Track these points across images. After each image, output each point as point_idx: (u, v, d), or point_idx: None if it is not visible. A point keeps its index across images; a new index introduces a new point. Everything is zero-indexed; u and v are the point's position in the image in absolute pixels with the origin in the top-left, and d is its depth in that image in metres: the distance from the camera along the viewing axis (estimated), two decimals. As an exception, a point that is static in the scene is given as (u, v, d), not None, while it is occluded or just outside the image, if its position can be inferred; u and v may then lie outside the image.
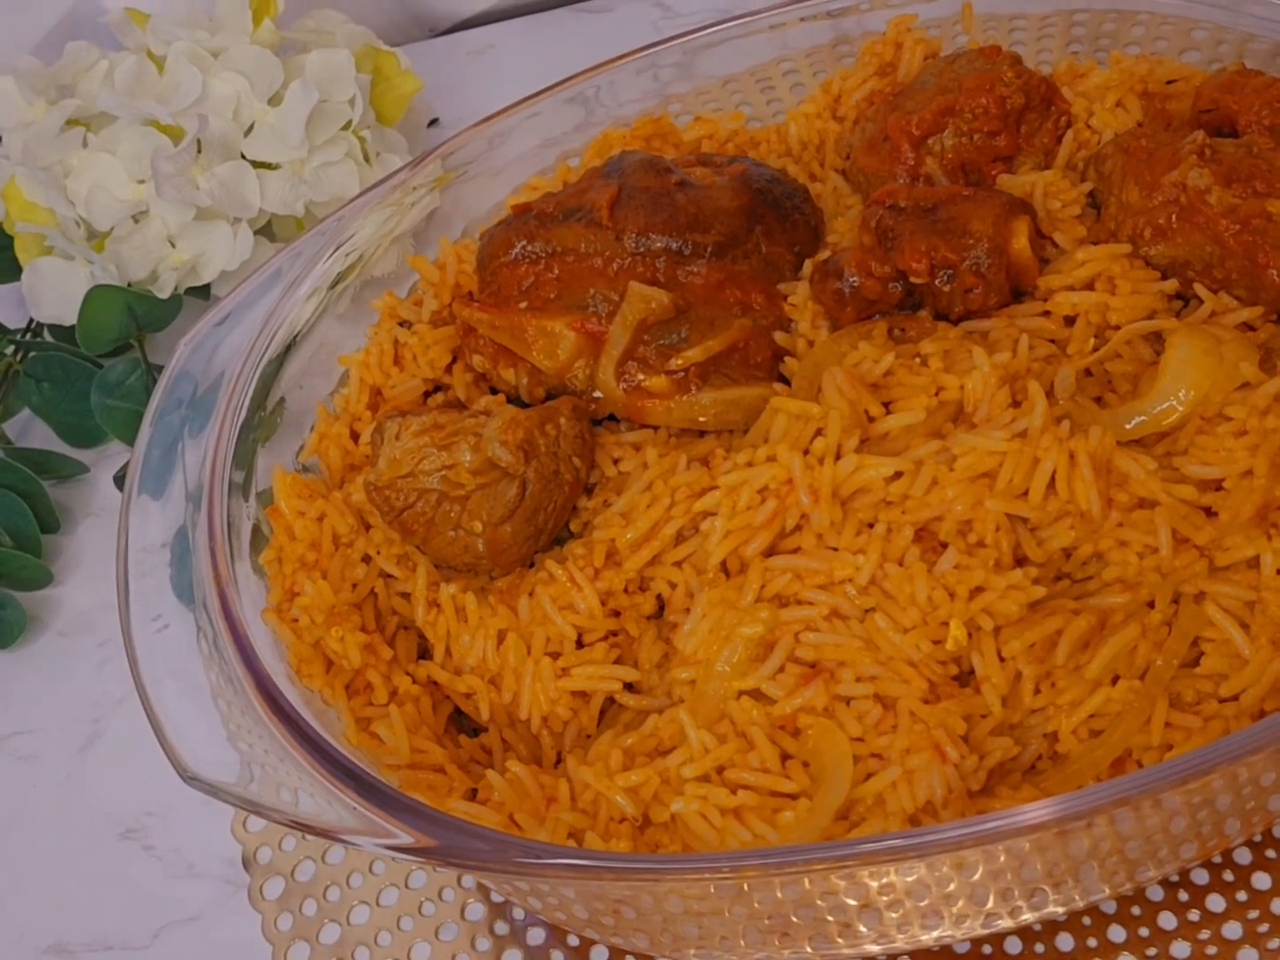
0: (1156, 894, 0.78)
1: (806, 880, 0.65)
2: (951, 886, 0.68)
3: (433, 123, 1.30)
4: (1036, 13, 1.08)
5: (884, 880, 0.66)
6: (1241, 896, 0.78)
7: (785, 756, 0.70)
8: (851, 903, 0.68)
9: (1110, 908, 0.78)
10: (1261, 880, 0.78)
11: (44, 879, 0.92)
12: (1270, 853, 0.79)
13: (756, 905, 0.69)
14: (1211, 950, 0.76)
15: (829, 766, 0.68)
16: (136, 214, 1.08)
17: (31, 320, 1.15)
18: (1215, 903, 0.78)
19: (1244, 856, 0.79)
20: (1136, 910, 0.78)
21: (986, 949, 0.78)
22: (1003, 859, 0.66)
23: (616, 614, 0.78)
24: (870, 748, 0.69)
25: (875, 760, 0.69)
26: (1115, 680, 0.69)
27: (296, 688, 0.76)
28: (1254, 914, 0.77)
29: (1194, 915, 0.77)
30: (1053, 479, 0.71)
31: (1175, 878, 0.78)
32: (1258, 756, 0.62)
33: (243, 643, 0.75)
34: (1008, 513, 0.71)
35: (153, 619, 0.77)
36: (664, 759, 0.70)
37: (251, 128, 1.10)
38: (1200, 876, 0.78)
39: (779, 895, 0.67)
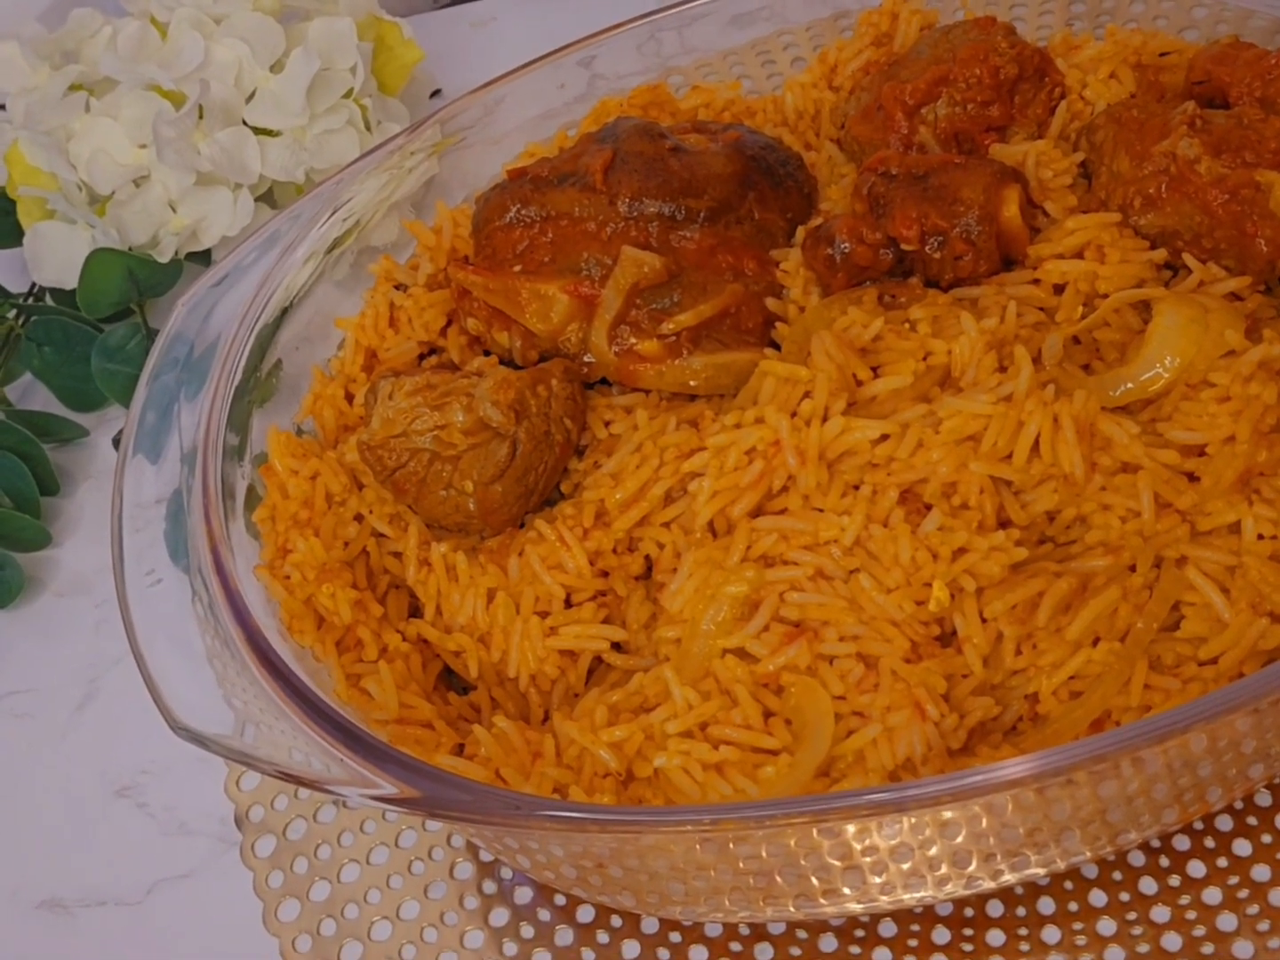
0: (1138, 859, 0.79)
1: (787, 834, 0.65)
2: (933, 849, 0.69)
3: (435, 93, 1.31)
4: (1038, -12, 1.09)
5: (866, 839, 0.66)
6: (1222, 863, 0.78)
7: (768, 714, 0.70)
8: (834, 862, 0.69)
9: (1092, 872, 0.79)
10: (1242, 847, 0.78)
11: (39, 835, 0.93)
12: (1251, 820, 0.79)
13: (740, 864, 0.70)
14: (1191, 915, 0.76)
15: (811, 724, 0.69)
16: (138, 178, 1.09)
17: (34, 284, 1.16)
18: (1196, 868, 0.78)
19: (1225, 824, 0.79)
20: (1118, 875, 0.78)
21: (969, 911, 0.78)
22: (982, 817, 0.67)
23: (605, 574, 0.79)
24: (852, 706, 0.69)
25: (857, 718, 0.69)
26: (1096, 642, 0.70)
27: (288, 644, 0.77)
28: (1234, 880, 0.77)
29: (1175, 881, 0.78)
30: (1036, 442, 0.72)
31: (1157, 843, 0.78)
32: (1234, 716, 0.63)
33: (235, 598, 0.76)
34: (991, 475, 0.72)
35: (146, 573, 0.78)
36: (648, 715, 0.71)
37: (253, 94, 1.11)
38: (1182, 843, 0.79)
39: (761, 853, 0.68)
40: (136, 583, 0.78)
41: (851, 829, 0.65)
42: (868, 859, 0.68)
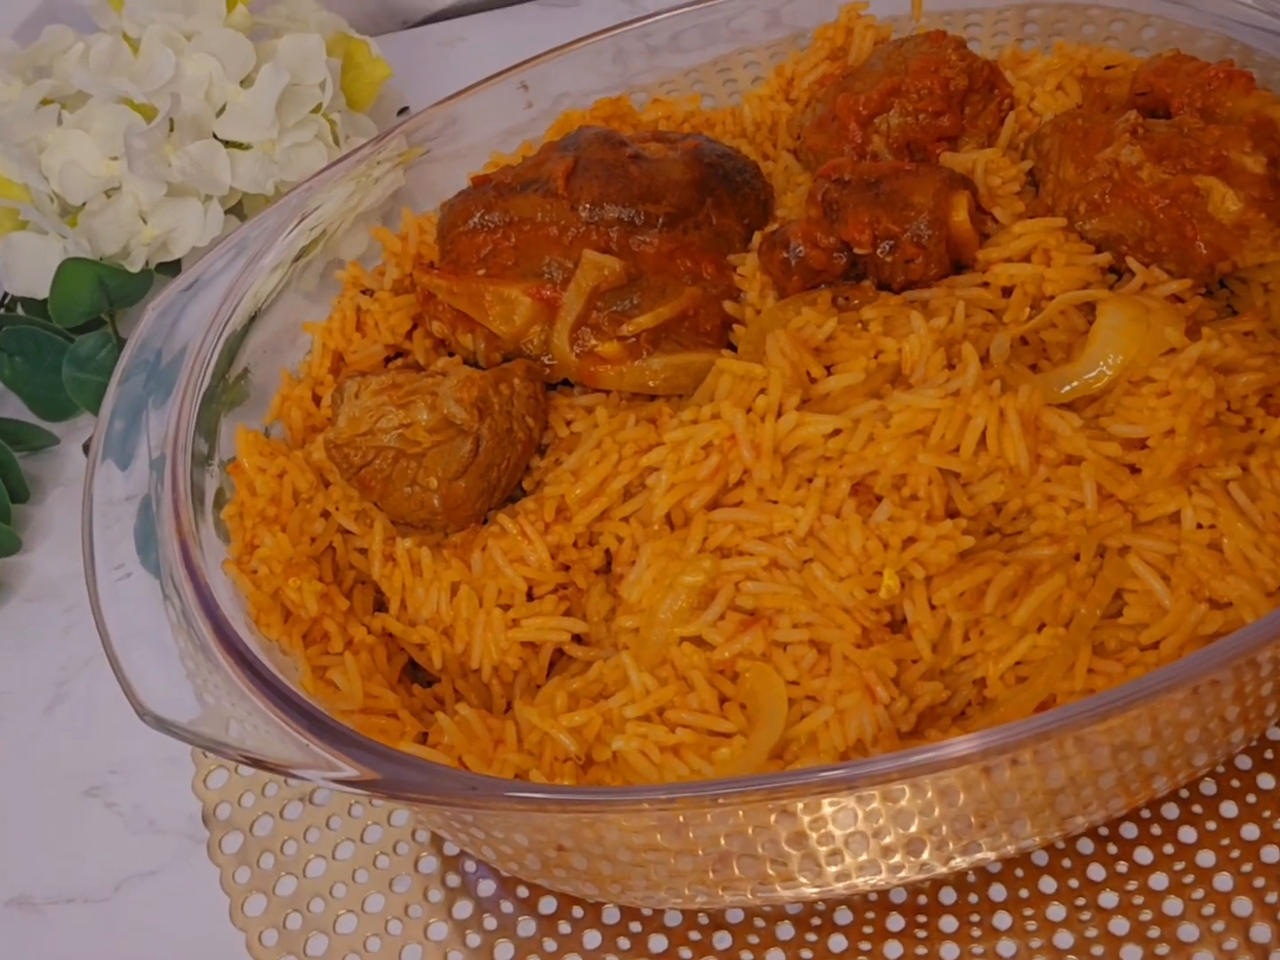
0: (1087, 847, 0.81)
1: (741, 813, 0.67)
2: (887, 836, 0.71)
3: (402, 111, 1.33)
4: (992, 8, 1.12)
5: (818, 819, 0.68)
6: (1169, 849, 0.80)
7: (723, 699, 0.72)
8: (788, 848, 0.70)
9: (1042, 859, 0.80)
10: (1187, 834, 0.80)
11: (8, 835, 0.94)
12: (1197, 808, 0.81)
13: (698, 849, 0.71)
14: (1138, 900, 0.78)
15: (765, 708, 0.71)
16: (109, 190, 1.11)
17: (5, 295, 1.17)
18: (1143, 855, 0.80)
19: (1172, 812, 0.81)
20: (1067, 863, 0.80)
21: (922, 899, 0.80)
22: (931, 797, 0.68)
23: (566, 568, 0.81)
24: (805, 690, 0.71)
25: (810, 702, 0.71)
26: (1041, 628, 0.72)
27: (255, 636, 0.78)
28: (1180, 865, 0.79)
29: (1122, 867, 0.80)
30: (983, 436, 0.74)
31: (1105, 831, 0.80)
32: (1173, 695, 0.65)
33: (203, 591, 0.77)
34: (940, 468, 0.74)
35: (116, 567, 0.80)
36: (607, 701, 0.73)
37: (224, 108, 1.13)
38: (1129, 830, 0.81)
39: (718, 835, 0.70)
40: (106, 576, 0.79)
41: (803, 806, 0.66)
42: (821, 843, 0.70)
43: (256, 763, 0.70)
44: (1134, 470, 0.75)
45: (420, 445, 0.81)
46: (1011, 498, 0.75)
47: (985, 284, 0.83)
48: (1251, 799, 0.81)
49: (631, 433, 0.80)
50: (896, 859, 0.72)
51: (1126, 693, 0.64)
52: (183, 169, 1.09)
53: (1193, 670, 0.64)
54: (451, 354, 0.90)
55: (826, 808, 0.67)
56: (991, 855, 0.76)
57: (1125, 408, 0.76)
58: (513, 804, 0.66)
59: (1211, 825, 0.80)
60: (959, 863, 0.76)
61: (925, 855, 0.73)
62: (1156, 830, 0.81)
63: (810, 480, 0.76)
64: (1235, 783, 0.81)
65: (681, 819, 0.68)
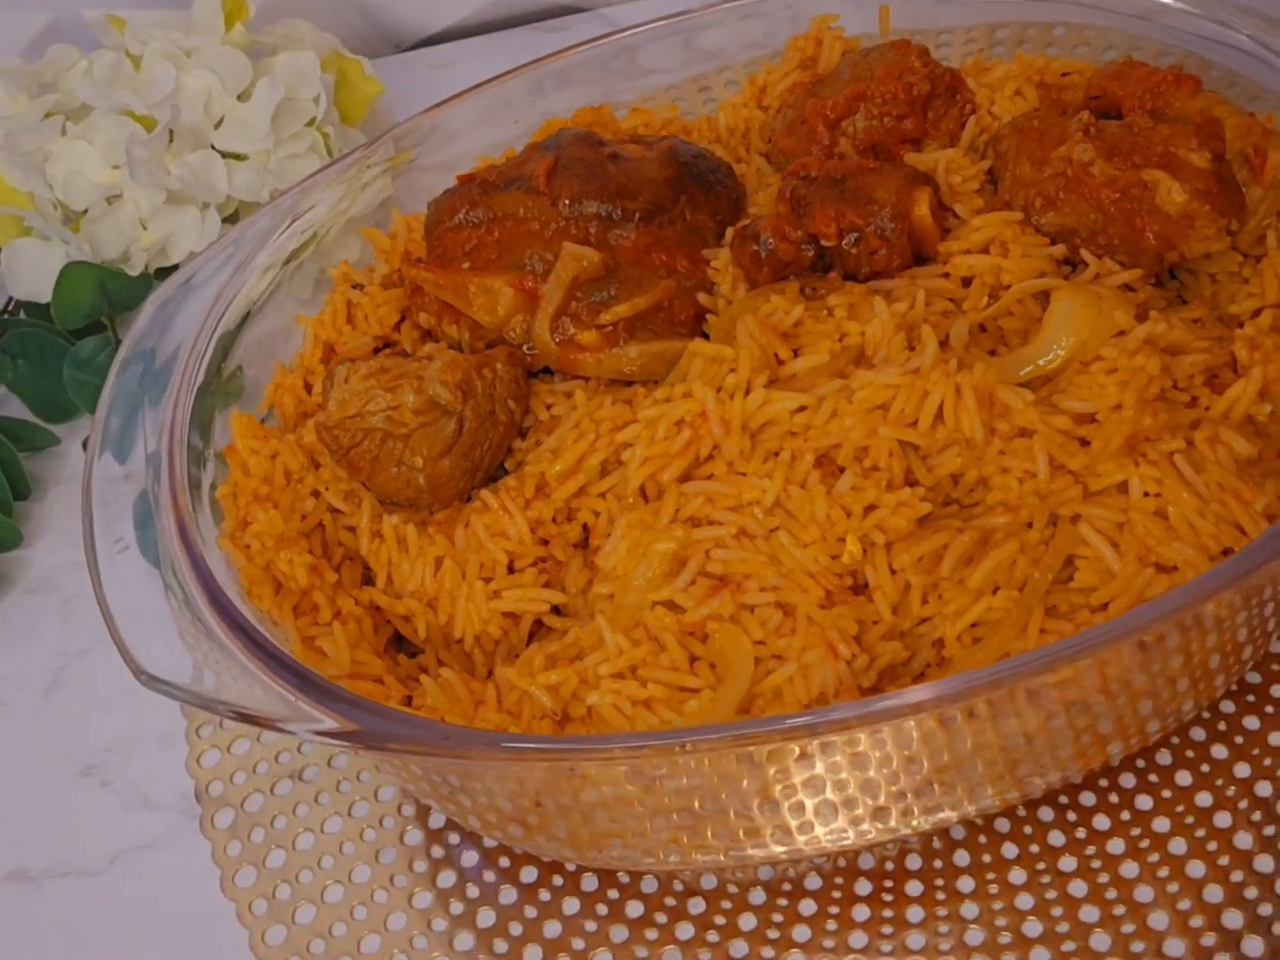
0: (1047, 815, 0.84)
1: (708, 764, 0.70)
2: (850, 789, 0.74)
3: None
4: (961, 26, 1.16)
5: (781, 768, 0.71)
6: (1125, 816, 0.83)
7: (694, 658, 0.76)
8: (755, 802, 0.74)
9: (1004, 826, 0.83)
10: (1144, 802, 0.83)
11: (5, 811, 0.96)
12: (1153, 777, 0.84)
13: (672, 810, 0.74)
14: (1096, 864, 0.81)
15: (733, 665, 0.74)
16: (110, 197, 1.15)
17: (10, 300, 1.21)
18: (1101, 822, 0.83)
19: (1128, 781, 0.84)
20: (1028, 829, 0.83)
21: (889, 865, 0.83)
22: (890, 749, 0.72)
23: (545, 542, 0.84)
24: (771, 650, 0.75)
25: (775, 661, 0.75)
26: (996, 591, 0.75)
27: (247, 607, 0.82)
28: (1136, 831, 0.82)
29: (1081, 833, 0.82)
30: (941, 410, 0.78)
31: (1064, 800, 0.84)
32: (1120, 646, 0.69)
33: (197, 561, 0.80)
34: (900, 439, 0.78)
35: (114, 540, 0.83)
36: (583, 661, 0.76)
37: (221, 120, 1.17)
38: (1088, 799, 0.84)
39: (688, 790, 0.73)
40: (105, 549, 0.82)
41: (767, 755, 0.70)
42: (785, 795, 0.73)
43: (245, 717, 0.73)
44: (1084, 443, 0.78)
45: (407, 426, 0.85)
46: (968, 469, 0.79)
47: (946, 274, 0.87)
48: (1205, 768, 0.83)
49: (608, 411, 0.84)
50: (859, 811, 0.75)
51: (1074, 644, 0.67)
52: (181, 178, 1.13)
53: (1137, 622, 0.67)
54: (437, 342, 0.93)
55: (790, 760, 0.71)
56: (953, 816, 0.79)
57: (1076, 385, 0.80)
58: (488, 753, 0.69)
59: (1167, 793, 0.83)
60: (921, 823, 0.79)
61: (886, 811, 0.76)
62: (1114, 799, 0.83)
63: (777, 454, 0.79)
64: (1190, 753, 0.84)
65: (652, 769, 0.71)
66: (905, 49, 0.96)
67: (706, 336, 0.90)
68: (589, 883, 0.85)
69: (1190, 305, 0.86)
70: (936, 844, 0.83)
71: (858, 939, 0.80)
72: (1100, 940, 0.78)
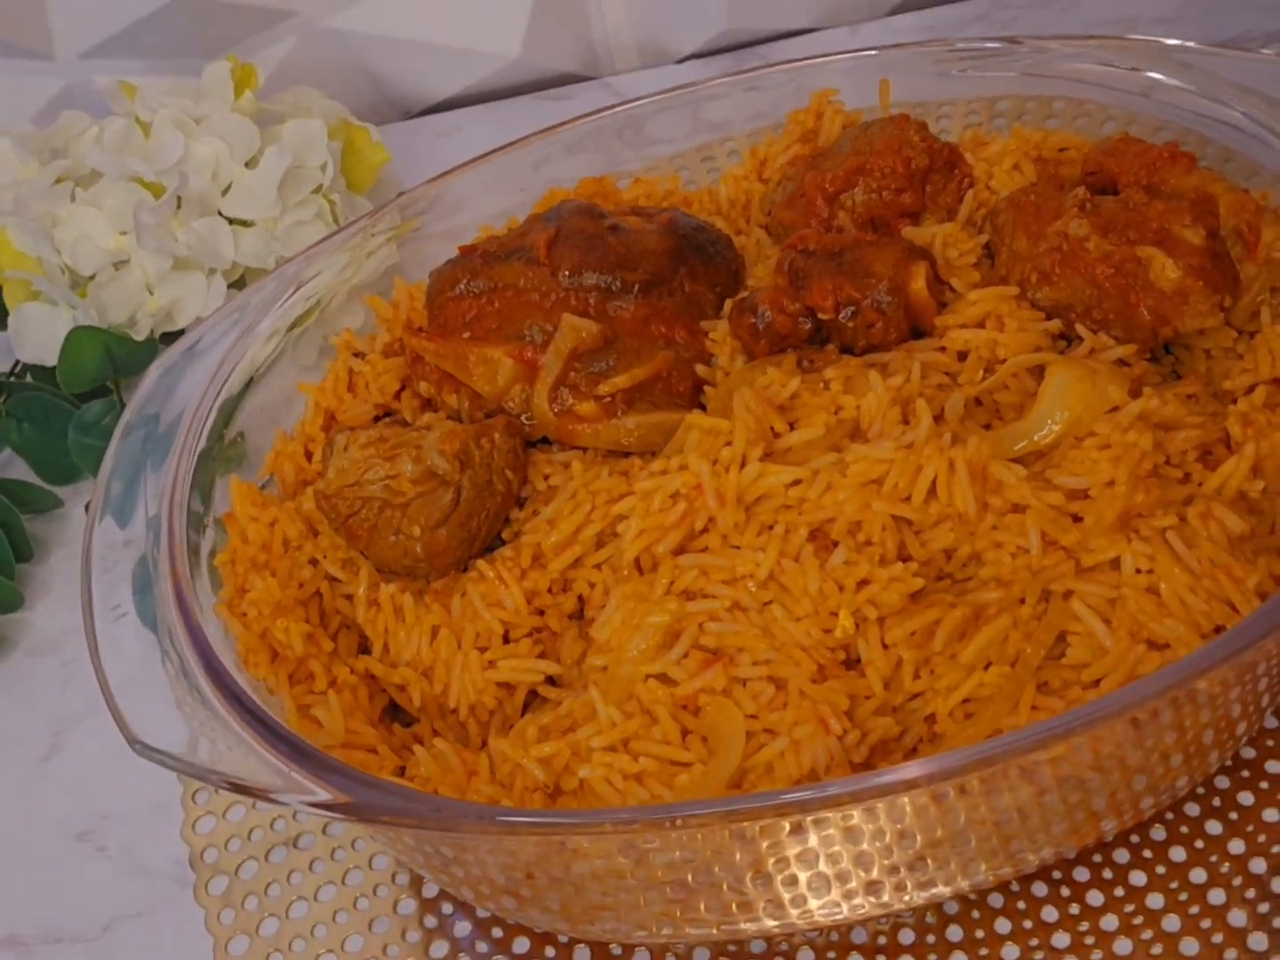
0: (1041, 890, 0.83)
1: (700, 838, 0.70)
2: (843, 864, 0.74)
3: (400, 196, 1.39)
4: (962, 99, 1.17)
5: (773, 842, 0.71)
6: (1119, 892, 0.83)
7: (685, 731, 0.76)
8: (747, 877, 0.73)
9: (997, 901, 0.83)
10: (1138, 878, 0.83)
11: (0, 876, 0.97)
12: (1147, 853, 0.84)
13: (663, 883, 0.74)
14: (1090, 940, 0.81)
15: (724, 739, 0.75)
16: (118, 262, 1.16)
17: (16, 363, 1.22)
18: (1095, 897, 0.83)
19: (1122, 857, 0.84)
20: (1022, 905, 0.83)
21: (881, 940, 0.83)
22: (883, 824, 0.72)
23: (541, 612, 0.85)
24: (763, 724, 0.75)
25: (767, 735, 0.75)
26: (988, 667, 0.76)
27: (243, 675, 0.82)
28: (1130, 907, 0.82)
29: (1074, 909, 0.82)
30: (934, 485, 0.79)
31: (1058, 875, 0.83)
32: (1112, 724, 0.69)
33: (194, 629, 0.81)
34: (893, 514, 0.78)
35: (112, 608, 0.84)
36: (575, 733, 0.76)
37: (229, 187, 1.19)
38: (1081, 874, 0.84)
39: (679, 864, 0.73)
40: (103, 616, 0.83)
41: (759, 830, 0.70)
42: (777, 869, 0.73)
43: (238, 788, 0.73)
44: (1077, 519, 0.79)
45: (405, 495, 0.85)
46: (961, 544, 0.79)
47: (942, 348, 0.88)
48: (1200, 844, 0.83)
49: (604, 483, 0.84)
50: (852, 885, 0.75)
51: (1066, 720, 0.67)
52: (188, 244, 1.15)
53: (1129, 699, 0.67)
54: (437, 411, 0.94)
55: (783, 834, 0.71)
56: (946, 890, 0.79)
57: (1069, 460, 0.80)
58: (480, 826, 0.69)
59: (1161, 869, 0.83)
60: (914, 897, 0.79)
61: (879, 885, 0.76)
62: (1108, 874, 0.83)
63: (771, 527, 0.80)
64: (1184, 829, 0.84)
65: (643, 843, 0.71)
66: (904, 124, 0.97)
67: (704, 408, 0.90)
68: (581, 955, 0.85)
69: (1185, 381, 0.87)
70: (930, 919, 0.83)
71: (852, 1013, 0.80)
72: (1094, 1017, 0.77)
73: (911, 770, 0.67)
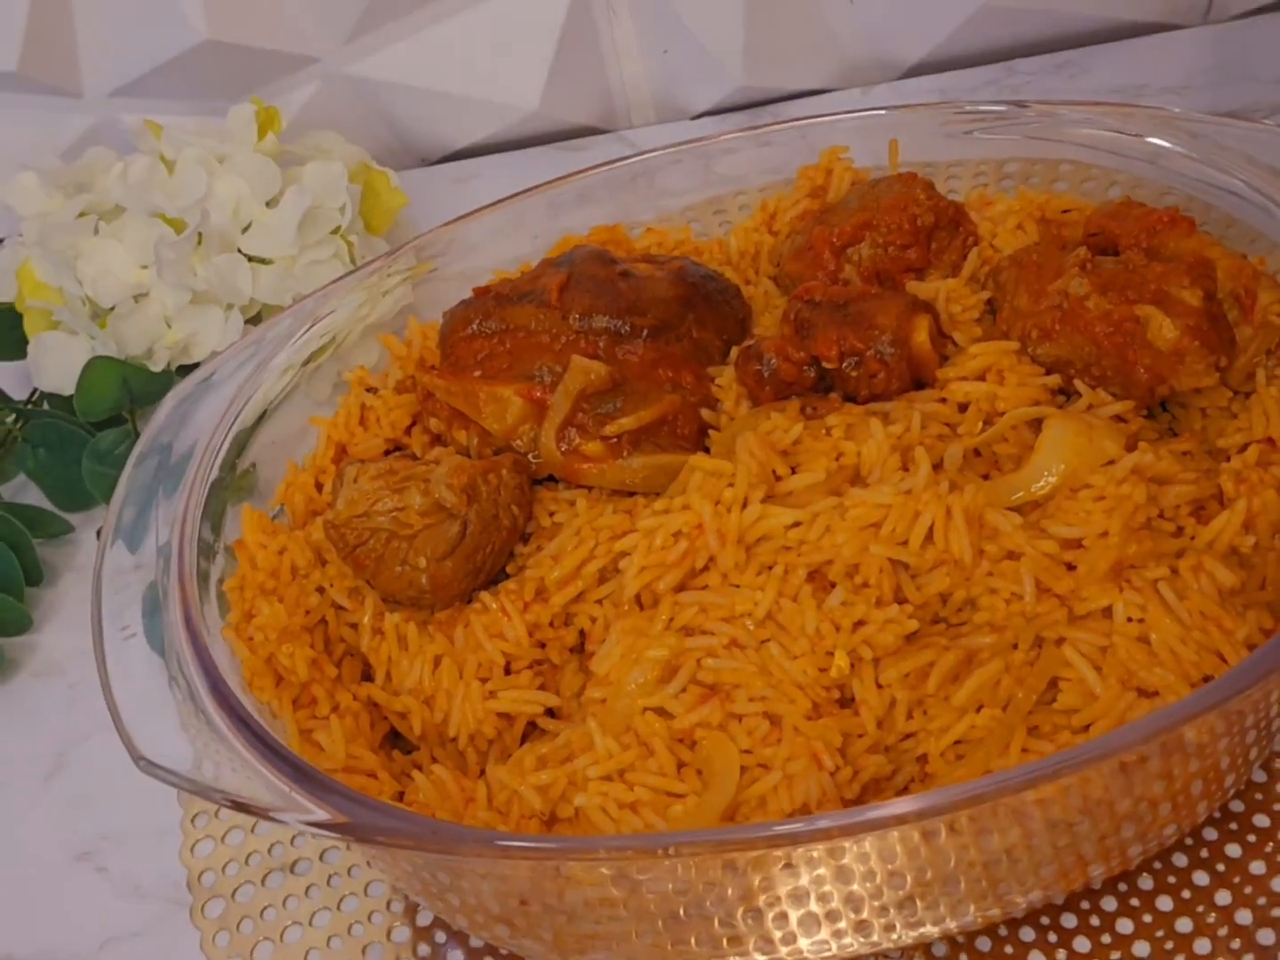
0: (1028, 935, 0.84)
1: (691, 866, 0.71)
2: (833, 901, 0.75)
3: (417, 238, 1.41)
4: (971, 159, 1.20)
5: (764, 876, 0.72)
6: (1105, 939, 0.84)
7: (681, 764, 0.77)
8: (738, 910, 0.75)
9: (985, 945, 0.84)
10: (1124, 926, 0.84)
11: (-1, 896, 0.98)
12: (1134, 901, 0.85)
13: (656, 915, 0.75)
14: (1077, 986, 0.82)
15: (719, 772, 0.76)
16: (138, 295, 1.18)
17: (35, 391, 1.24)
18: (1081, 944, 0.84)
19: (1110, 904, 0.85)
20: (1009, 949, 0.84)
21: (871, 982, 0.84)
22: (873, 863, 0.73)
23: (542, 645, 0.86)
24: (757, 758, 0.76)
25: (761, 769, 0.76)
26: (980, 709, 0.77)
27: (248, 698, 0.84)
28: (1116, 955, 0.82)
29: (1061, 956, 0.83)
30: (931, 531, 0.80)
31: (1046, 920, 0.84)
32: (1100, 766, 0.70)
33: (200, 650, 0.82)
34: (890, 558, 0.80)
35: (121, 627, 0.85)
36: (572, 763, 0.78)
37: (249, 225, 1.21)
38: (1069, 920, 0.85)
39: (671, 895, 0.74)
40: (112, 635, 0.84)
41: (750, 863, 0.71)
42: (769, 905, 0.74)
43: (239, 805, 0.75)
44: (1070, 567, 0.80)
45: (412, 528, 0.87)
46: (956, 589, 0.80)
47: (943, 399, 0.89)
48: (1186, 894, 0.84)
49: (608, 520, 0.86)
50: (841, 924, 0.76)
51: (1055, 762, 0.68)
52: (208, 279, 1.17)
53: (1117, 743, 0.69)
54: (446, 447, 0.96)
55: (773, 868, 0.72)
56: (935, 931, 0.80)
57: (1064, 510, 0.82)
58: (475, 849, 0.71)
59: (1148, 918, 0.84)
60: (903, 936, 0.80)
61: (868, 924, 0.77)
62: (1095, 921, 0.84)
63: (770, 567, 0.81)
64: (1171, 879, 0.85)
65: (636, 872, 0.72)
66: (911, 182, 1.00)
67: (708, 451, 0.92)
68: (573, 985, 0.86)
69: (1180, 438, 0.89)
70: (918, 961, 0.84)
71: (838, 1052, 0.81)
72: (1078, 1063, 0.78)
73: (901, 806, 0.68)
